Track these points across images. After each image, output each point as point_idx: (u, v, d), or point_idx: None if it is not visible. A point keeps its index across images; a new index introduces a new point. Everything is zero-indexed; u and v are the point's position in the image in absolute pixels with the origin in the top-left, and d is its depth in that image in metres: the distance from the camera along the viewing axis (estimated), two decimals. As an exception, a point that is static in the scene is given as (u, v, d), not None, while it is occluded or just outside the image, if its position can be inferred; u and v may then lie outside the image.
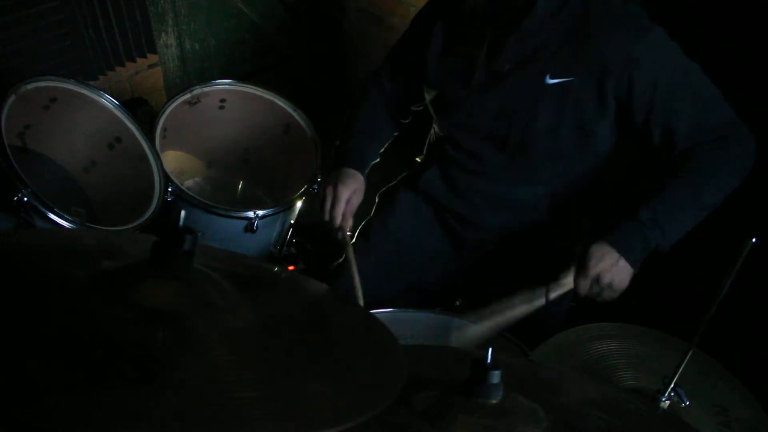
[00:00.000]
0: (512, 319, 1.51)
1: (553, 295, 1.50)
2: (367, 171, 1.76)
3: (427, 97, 1.73)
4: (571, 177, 1.65)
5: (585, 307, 1.71)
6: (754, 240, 1.06)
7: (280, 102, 2.26)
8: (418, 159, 1.91)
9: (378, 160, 1.84)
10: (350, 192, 1.68)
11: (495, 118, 1.60)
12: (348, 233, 1.68)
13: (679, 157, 1.53)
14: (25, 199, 1.61)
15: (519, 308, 1.51)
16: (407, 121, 1.89)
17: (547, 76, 1.51)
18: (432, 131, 1.83)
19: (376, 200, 1.91)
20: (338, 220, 1.66)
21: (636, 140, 1.60)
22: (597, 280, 1.46)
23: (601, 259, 1.45)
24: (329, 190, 1.68)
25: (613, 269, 1.46)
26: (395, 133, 1.88)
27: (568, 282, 1.50)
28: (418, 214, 1.81)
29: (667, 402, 1.21)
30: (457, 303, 1.83)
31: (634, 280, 1.52)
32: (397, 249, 1.79)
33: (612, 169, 1.68)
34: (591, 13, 1.49)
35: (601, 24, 1.48)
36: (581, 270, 1.47)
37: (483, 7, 1.51)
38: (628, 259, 1.47)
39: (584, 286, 1.48)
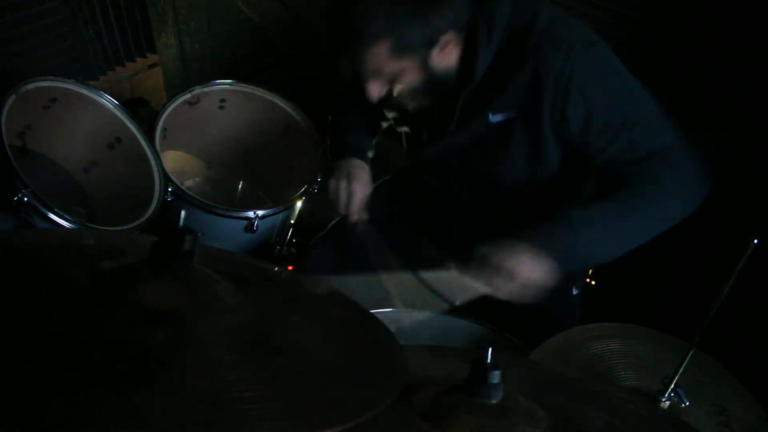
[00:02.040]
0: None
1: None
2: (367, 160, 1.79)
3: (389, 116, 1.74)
4: (541, 196, 1.62)
5: (585, 308, 1.72)
6: (756, 241, 1.05)
7: (280, 102, 2.26)
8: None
9: (374, 151, 1.86)
10: (363, 185, 1.69)
11: (454, 159, 1.63)
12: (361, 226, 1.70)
13: (618, 177, 1.48)
14: (25, 199, 1.61)
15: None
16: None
17: (489, 115, 1.51)
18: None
19: None
20: (356, 216, 1.67)
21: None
22: (507, 272, 1.38)
23: (508, 249, 1.40)
24: (343, 186, 1.68)
25: (526, 263, 1.38)
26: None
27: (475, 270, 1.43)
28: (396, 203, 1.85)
29: (667, 402, 1.21)
30: (457, 303, 1.83)
31: (634, 281, 1.52)
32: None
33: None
34: (517, 48, 1.45)
35: (529, 54, 1.43)
36: (491, 257, 1.40)
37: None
38: (552, 258, 1.39)
39: (496, 284, 1.40)
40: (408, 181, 1.88)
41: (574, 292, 1.72)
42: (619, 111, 1.45)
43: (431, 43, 1.42)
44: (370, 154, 1.81)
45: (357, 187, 1.67)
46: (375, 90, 1.47)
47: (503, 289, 1.40)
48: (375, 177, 1.92)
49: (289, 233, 2.18)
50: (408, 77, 1.46)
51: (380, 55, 1.40)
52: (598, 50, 1.45)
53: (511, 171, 1.58)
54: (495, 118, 1.51)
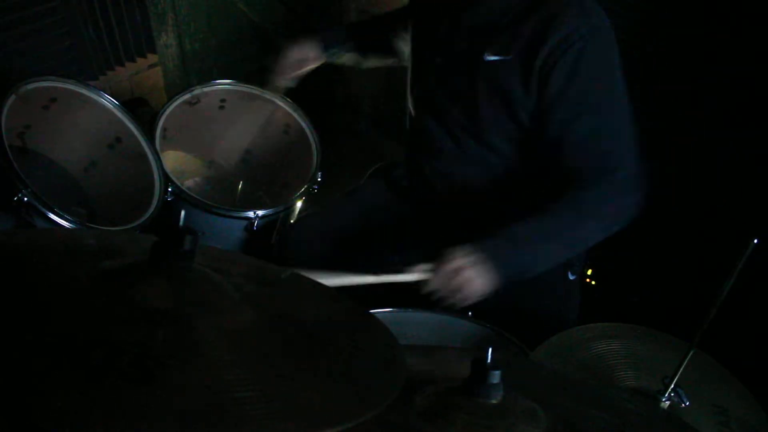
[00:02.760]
0: (352, 282, 1.44)
1: (398, 277, 1.45)
2: (333, 52, 1.96)
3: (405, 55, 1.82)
4: (520, 161, 1.61)
5: (585, 308, 1.72)
6: (756, 241, 1.05)
7: (280, 102, 2.26)
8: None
9: (352, 54, 2.00)
10: (301, 52, 1.90)
11: (446, 96, 1.62)
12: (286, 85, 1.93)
13: (561, 180, 1.49)
14: (25, 199, 1.61)
15: (369, 278, 1.45)
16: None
17: (486, 54, 1.50)
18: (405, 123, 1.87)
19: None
20: (278, 72, 1.89)
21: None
22: (452, 275, 1.41)
23: (464, 255, 1.42)
24: (289, 50, 1.89)
25: (472, 268, 1.42)
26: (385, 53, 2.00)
27: (422, 271, 1.44)
28: (381, 195, 1.87)
29: (667, 402, 1.21)
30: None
31: (634, 281, 1.52)
32: (359, 217, 1.83)
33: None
34: (538, 5, 1.45)
35: (549, 9, 1.44)
36: (440, 261, 1.43)
37: None
38: (495, 265, 1.42)
39: (437, 281, 1.43)
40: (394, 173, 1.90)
41: (571, 277, 1.71)
42: (595, 98, 1.45)
43: None
44: (334, 56, 1.98)
45: (291, 50, 1.90)
46: None
47: (451, 293, 1.44)
48: (366, 166, 1.96)
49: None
50: None
51: None
52: (610, 40, 1.46)
53: (488, 120, 1.56)
54: (490, 57, 1.50)
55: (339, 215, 1.85)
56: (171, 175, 1.99)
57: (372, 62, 2.04)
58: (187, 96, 2.17)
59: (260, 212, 2.04)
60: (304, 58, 1.95)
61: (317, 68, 2.02)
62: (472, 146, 1.62)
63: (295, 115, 2.26)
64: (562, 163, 1.49)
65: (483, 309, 1.68)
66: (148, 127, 2.02)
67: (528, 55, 1.44)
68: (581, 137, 1.46)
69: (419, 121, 1.72)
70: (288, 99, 2.27)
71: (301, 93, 2.33)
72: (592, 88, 1.45)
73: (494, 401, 0.88)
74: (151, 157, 1.97)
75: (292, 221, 1.98)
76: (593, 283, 1.78)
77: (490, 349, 0.88)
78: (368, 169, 2.11)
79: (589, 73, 1.44)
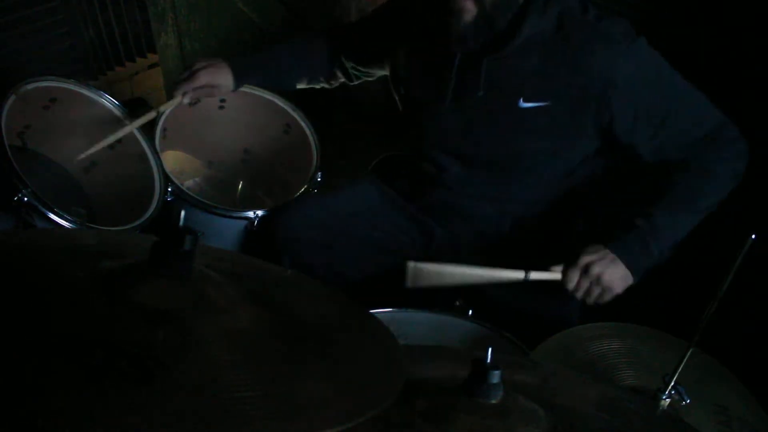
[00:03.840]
0: (480, 279, 1.49)
1: (534, 275, 1.47)
2: (241, 84, 1.93)
3: (396, 96, 1.78)
4: (542, 198, 1.65)
5: (587, 308, 1.71)
6: (753, 237, 1.06)
7: (280, 102, 2.26)
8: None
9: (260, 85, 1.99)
10: (208, 77, 1.86)
11: (462, 137, 1.59)
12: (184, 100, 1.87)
13: (672, 166, 1.52)
14: (25, 199, 1.61)
15: (495, 274, 1.48)
16: (325, 83, 2.02)
17: (521, 100, 1.49)
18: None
19: None
20: (179, 88, 1.84)
21: (625, 162, 1.59)
22: (586, 271, 1.44)
23: (595, 253, 1.45)
24: (197, 68, 1.84)
25: (603, 262, 1.45)
26: (299, 82, 2.02)
27: (556, 270, 1.48)
28: (386, 200, 1.83)
29: (668, 400, 1.21)
30: (457, 303, 1.83)
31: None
32: (362, 218, 1.80)
33: (589, 189, 1.67)
34: (564, 33, 1.45)
35: (575, 45, 1.44)
36: (572, 260, 1.46)
37: (459, 30, 1.45)
38: (626, 262, 1.46)
39: (572, 277, 1.45)
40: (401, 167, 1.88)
41: None
42: (663, 102, 1.48)
43: None
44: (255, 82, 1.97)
45: (199, 74, 1.84)
46: (467, 8, 1.41)
47: (590, 292, 1.47)
48: (366, 167, 1.95)
49: (289, 233, 2.18)
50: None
51: None
52: (641, 45, 1.47)
53: (525, 167, 1.58)
54: (526, 104, 1.49)
55: (336, 197, 1.83)
56: (171, 175, 1.99)
57: (297, 86, 2.03)
58: (187, 96, 2.16)
59: (260, 212, 2.03)
60: (213, 86, 1.90)
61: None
62: (485, 181, 1.63)
63: (295, 115, 2.26)
64: (671, 161, 1.51)
65: (483, 309, 1.69)
66: (148, 127, 2.02)
67: (572, 102, 1.47)
68: (673, 136, 1.49)
69: (425, 152, 1.68)
70: (288, 99, 2.27)
71: (301, 93, 2.33)
72: (657, 98, 1.48)
73: (494, 401, 0.88)
74: (151, 157, 1.97)
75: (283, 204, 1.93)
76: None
77: (490, 349, 0.88)
78: (368, 169, 2.11)
79: (647, 88, 1.47)
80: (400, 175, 1.84)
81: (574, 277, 1.46)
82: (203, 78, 1.85)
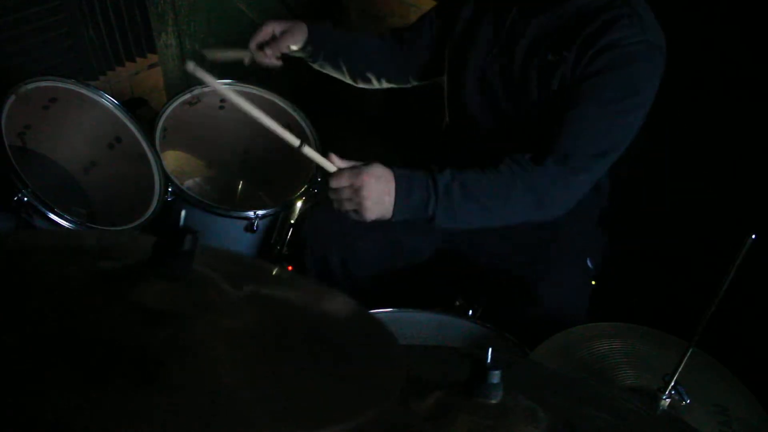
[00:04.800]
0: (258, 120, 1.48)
1: (307, 150, 1.46)
2: (314, 41, 1.87)
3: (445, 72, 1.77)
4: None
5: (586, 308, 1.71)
6: (753, 237, 1.06)
7: (280, 102, 2.26)
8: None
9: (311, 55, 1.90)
10: (281, 27, 1.82)
11: (499, 88, 1.63)
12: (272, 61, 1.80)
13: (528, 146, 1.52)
14: (25, 199, 1.61)
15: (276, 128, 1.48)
16: (409, 83, 1.99)
17: (549, 54, 1.54)
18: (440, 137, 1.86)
19: None
20: (251, 44, 1.80)
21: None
22: (355, 177, 1.40)
23: (375, 167, 1.41)
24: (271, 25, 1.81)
25: (376, 182, 1.40)
26: (369, 73, 1.98)
27: (331, 164, 1.45)
28: None
29: (668, 400, 1.21)
30: (458, 303, 1.83)
31: (634, 280, 1.52)
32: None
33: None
34: (611, 6, 1.50)
35: (612, 16, 1.49)
36: (352, 170, 1.41)
37: None
38: (396, 197, 1.41)
39: (341, 176, 1.42)
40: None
41: (590, 265, 1.72)
42: (612, 95, 1.48)
43: None
44: (297, 47, 1.88)
45: (268, 25, 1.82)
46: None
47: (341, 203, 1.44)
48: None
49: (289, 233, 2.18)
50: None
51: None
52: (656, 61, 1.50)
53: (522, 109, 1.60)
54: (552, 57, 1.54)
55: None
56: (171, 175, 1.99)
57: (326, 70, 1.98)
58: (187, 96, 2.16)
59: (260, 212, 2.04)
60: (287, 33, 1.83)
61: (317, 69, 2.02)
62: (516, 133, 1.63)
63: (295, 115, 2.26)
64: (549, 126, 1.51)
65: (484, 308, 1.69)
66: (148, 127, 2.02)
67: (580, 52, 1.49)
68: (579, 117, 1.49)
69: (462, 99, 1.72)
70: (288, 99, 2.27)
71: (301, 93, 2.33)
72: (615, 85, 1.48)
73: (494, 401, 0.88)
74: (151, 157, 1.97)
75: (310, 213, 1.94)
76: (593, 282, 1.78)
77: (490, 349, 0.88)
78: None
79: (621, 74, 1.47)
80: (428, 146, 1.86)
81: (341, 178, 1.41)
82: (276, 26, 1.84)
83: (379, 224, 1.72)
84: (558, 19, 1.56)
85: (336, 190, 1.43)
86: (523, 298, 1.62)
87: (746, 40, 1.85)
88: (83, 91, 1.92)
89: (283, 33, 1.82)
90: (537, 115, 1.59)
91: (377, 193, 1.40)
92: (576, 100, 1.50)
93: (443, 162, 1.67)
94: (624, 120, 1.50)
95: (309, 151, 1.44)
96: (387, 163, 1.48)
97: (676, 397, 1.22)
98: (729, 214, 1.70)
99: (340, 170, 1.42)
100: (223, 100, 2.29)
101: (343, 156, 1.51)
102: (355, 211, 1.43)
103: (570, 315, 1.60)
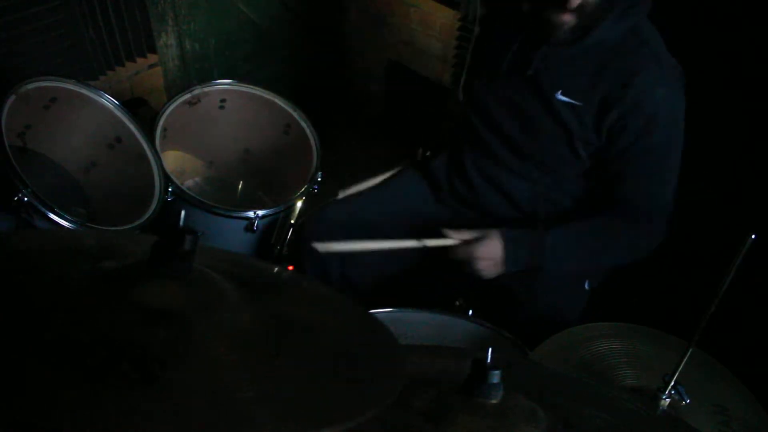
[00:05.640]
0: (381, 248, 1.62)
1: (429, 242, 1.61)
2: None
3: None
4: (563, 189, 1.70)
5: (586, 308, 1.71)
6: (753, 237, 1.06)
7: (280, 102, 2.26)
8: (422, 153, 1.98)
9: None
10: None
11: (507, 115, 1.66)
12: None
13: (606, 206, 1.61)
14: (26, 199, 1.61)
15: (393, 245, 1.63)
16: None
17: (559, 92, 1.55)
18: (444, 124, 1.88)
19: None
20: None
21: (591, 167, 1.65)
22: (470, 260, 1.58)
23: (489, 249, 1.57)
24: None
25: (489, 263, 1.58)
26: None
27: (449, 241, 1.60)
28: (416, 188, 1.87)
29: (668, 400, 1.21)
30: (458, 303, 1.83)
31: (634, 280, 1.53)
32: (388, 212, 1.84)
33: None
34: (626, 48, 1.50)
35: (631, 61, 1.50)
36: (470, 244, 1.57)
37: (555, 35, 1.51)
38: (505, 262, 1.58)
39: (460, 253, 1.59)
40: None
41: (587, 287, 1.75)
42: (659, 147, 1.55)
43: None
44: None
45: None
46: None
47: (464, 269, 1.60)
48: (366, 167, 1.95)
49: (289, 233, 2.18)
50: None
51: None
52: (680, 97, 1.53)
53: (544, 145, 1.63)
54: (562, 98, 1.56)
55: (369, 206, 1.85)
56: (171, 175, 1.99)
57: None
58: (187, 96, 2.17)
59: (260, 212, 2.04)
60: None
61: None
62: (519, 158, 1.69)
63: (295, 115, 2.26)
64: (614, 190, 1.60)
65: (484, 309, 1.69)
66: (148, 127, 2.02)
67: (600, 110, 1.52)
68: (644, 179, 1.57)
69: (470, 118, 1.74)
70: (288, 99, 2.27)
71: (302, 93, 2.33)
72: (661, 147, 1.55)
73: (494, 401, 0.88)
74: (151, 157, 1.97)
75: (315, 210, 1.94)
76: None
77: (490, 349, 0.88)
78: (368, 169, 2.11)
79: (658, 131, 1.52)
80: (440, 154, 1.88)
81: (458, 254, 1.58)
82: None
83: (378, 233, 1.78)
84: (569, 54, 1.54)
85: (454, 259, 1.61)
86: (521, 297, 1.63)
87: (746, 40, 1.85)
88: (83, 91, 1.92)
89: None
90: (544, 145, 1.64)
91: (488, 264, 1.60)
92: (633, 167, 1.57)
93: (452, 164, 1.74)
94: (676, 159, 1.58)
95: (431, 242, 1.62)
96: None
97: (676, 397, 1.22)
98: (729, 214, 1.70)
99: (456, 247, 1.61)
100: (223, 100, 2.29)
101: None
102: (473, 271, 1.61)
103: (565, 314, 1.61)
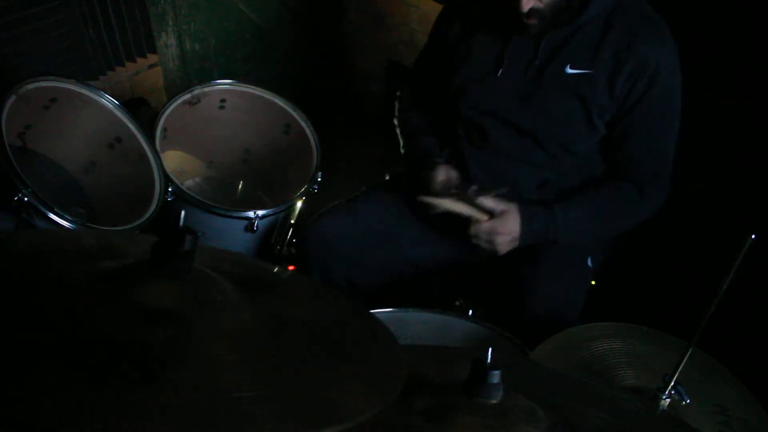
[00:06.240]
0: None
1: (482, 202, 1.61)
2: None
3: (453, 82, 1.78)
4: (575, 167, 1.70)
5: (586, 308, 1.72)
6: (753, 237, 1.06)
7: (280, 102, 2.26)
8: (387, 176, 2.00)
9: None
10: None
11: (512, 103, 1.66)
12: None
13: (611, 170, 1.66)
14: (26, 199, 1.61)
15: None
16: None
17: (567, 66, 1.58)
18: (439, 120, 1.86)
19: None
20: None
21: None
22: (491, 235, 1.60)
23: (508, 225, 1.60)
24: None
25: (507, 237, 1.60)
26: None
27: (477, 214, 1.61)
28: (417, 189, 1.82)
29: (668, 400, 1.21)
30: (458, 303, 1.83)
31: (634, 280, 1.53)
32: (385, 225, 1.82)
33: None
34: (622, 13, 1.56)
35: (630, 26, 1.55)
36: (492, 221, 1.59)
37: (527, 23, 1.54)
38: (520, 237, 1.61)
39: (479, 229, 1.60)
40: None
41: (590, 263, 1.75)
42: (663, 110, 1.60)
43: None
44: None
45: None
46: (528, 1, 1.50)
47: (478, 242, 1.62)
48: (366, 167, 1.92)
49: (289, 233, 2.18)
50: None
51: None
52: (671, 40, 1.58)
53: (558, 123, 1.64)
54: (572, 70, 1.58)
55: (367, 210, 1.83)
56: (171, 175, 1.99)
57: None
58: (187, 96, 2.16)
59: (260, 212, 2.04)
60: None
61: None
62: (528, 146, 1.68)
63: (295, 115, 2.26)
64: (618, 150, 1.64)
65: (484, 309, 1.69)
66: (148, 127, 2.02)
67: (612, 71, 1.56)
68: (647, 135, 1.61)
69: (466, 115, 1.73)
70: (288, 99, 2.27)
71: (301, 93, 2.33)
72: (663, 101, 1.59)
73: (494, 401, 0.88)
74: (151, 157, 1.97)
75: (314, 217, 1.92)
76: (593, 282, 1.78)
77: (490, 349, 0.88)
78: (368, 170, 2.11)
79: (660, 85, 1.57)
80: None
81: (480, 231, 1.60)
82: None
83: (384, 238, 1.79)
84: (568, 31, 1.58)
85: (475, 235, 1.62)
86: (523, 296, 1.63)
87: (747, 39, 1.85)
88: (83, 91, 1.92)
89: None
90: (559, 124, 1.64)
91: (506, 239, 1.62)
92: (638, 122, 1.60)
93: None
94: (676, 124, 1.62)
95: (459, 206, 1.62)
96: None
97: (676, 397, 1.22)
98: (729, 214, 1.70)
99: (477, 226, 1.61)
100: (223, 100, 2.29)
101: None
102: (489, 245, 1.63)
103: (565, 313, 1.61)
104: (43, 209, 1.63)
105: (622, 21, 1.56)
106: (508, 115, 1.67)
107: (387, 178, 2.00)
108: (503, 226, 1.60)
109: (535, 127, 1.66)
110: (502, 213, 1.61)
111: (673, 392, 1.21)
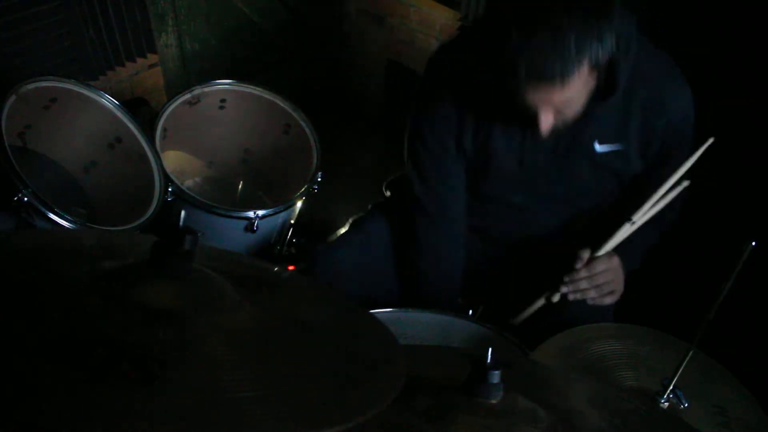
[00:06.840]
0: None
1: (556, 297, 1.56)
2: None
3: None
4: (597, 210, 1.66)
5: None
6: (753, 243, 1.06)
7: (280, 102, 2.26)
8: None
9: None
10: None
11: (534, 179, 1.58)
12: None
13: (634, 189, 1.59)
14: (26, 199, 1.61)
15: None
16: None
17: (596, 143, 1.50)
18: None
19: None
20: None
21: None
22: (598, 285, 1.51)
23: (612, 268, 1.52)
24: None
25: (618, 278, 1.54)
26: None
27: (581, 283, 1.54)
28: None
29: (666, 404, 1.21)
30: (459, 301, 1.83)
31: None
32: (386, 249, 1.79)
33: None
34: (640, 73, 1.43)
35: (651, 85, 1.45)
36: (590, 271, 1.51)
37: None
38: (625, 271, 1.55)
39: (583, 285, 1.52)
40: None
41: None
42: (686, 134, 1.55)
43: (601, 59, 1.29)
44: None
45: None
46: (548, 121, 1.35)
47: (603, 295, 1.55)
48: (366, 166, 1.90)
49: (289, 233, 2.18)
50: (580, 101, 1.35)
51: (581, 77, 1.27)
52: (677, 70, 1.51)
53: (584, 190, 1.60)
54: (601, 148, 1.50)
55: (379, 237, 1.78)
56: (171, 175, 1.99)
57: None
58: (187, 96, 2.17)
59: (260, 212, 2.04)
60: None
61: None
62: (559, 208, 1.65)
63: (295, 115, 2.26)
64: (650, 180, 1.55)
65: (484, 309, 1.69)
66: (148, 127, 2.02)
67: (643, 140, 1.50)
68: (677, 163, 1.52)
69: (500, 198, 1.65)
70: (288, 99, 2.27)
71: (301, 93, 2.33)
72: (688, 134, 1.55)
73: (494, 401, 0.88)
74: (151, 157, 1.97)
75: (324, 244, 1.89)
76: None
77: (490, 349, 0.88)
78: (368, 169, 2.10)
79: (687, 123, 1.53)
80: None
81: (584, 285, 1.53)
82: None
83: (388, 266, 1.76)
84: (590, 107, 1.42)
85: (598, 284, 1.54)
86: (515, 304, 1.62)
87: (747, 40, 1.85)
88: (83, 91, 1.92)
89: None
90: (589, 194, 1.61)
91: (618, 279, 1.56)
92: (670, 160, 1.53)
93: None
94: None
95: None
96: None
97: (675, 401, 1.22)
98: (730, 217, 1.70)
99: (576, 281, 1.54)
100: (223, 100, 2.29)
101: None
102: (611, 295, 1.57)
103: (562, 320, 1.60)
104: (43, 209, 1.63)
105: (641, 82, 1.44)
106: (528, 187, 1.61)
107: (387, 194, 1.96)
108: (608, 273, 1.53)
109: (566, 198, 1.62)
110: (601, 260, 1.52)
111: (671, 396, 1.21)
